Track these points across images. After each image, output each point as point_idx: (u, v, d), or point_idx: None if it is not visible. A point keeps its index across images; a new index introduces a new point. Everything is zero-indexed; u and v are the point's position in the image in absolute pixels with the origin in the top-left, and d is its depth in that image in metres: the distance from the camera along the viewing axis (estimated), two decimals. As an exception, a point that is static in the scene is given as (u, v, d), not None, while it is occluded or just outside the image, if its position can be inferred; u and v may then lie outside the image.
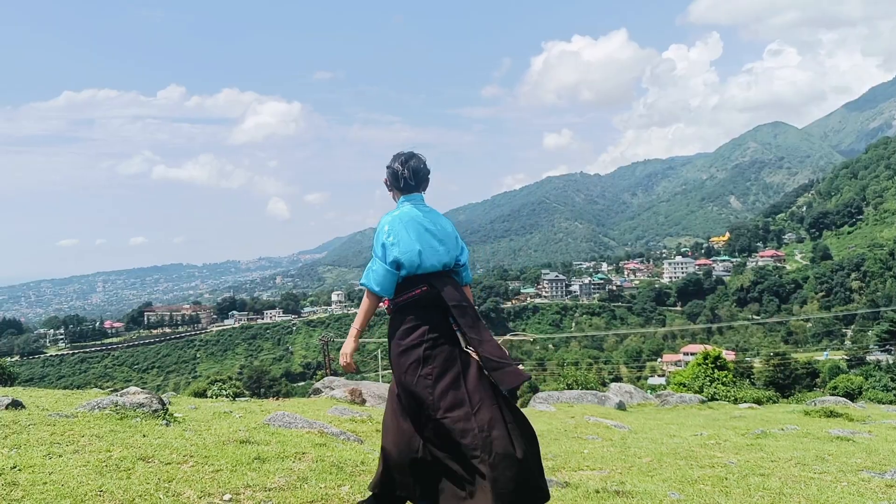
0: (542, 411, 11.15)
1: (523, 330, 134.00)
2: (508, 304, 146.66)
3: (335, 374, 42.49)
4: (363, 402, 12.50)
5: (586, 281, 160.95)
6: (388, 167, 3.85)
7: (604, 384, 23.43)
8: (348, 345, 3.68)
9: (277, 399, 11.55)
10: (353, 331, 3.70)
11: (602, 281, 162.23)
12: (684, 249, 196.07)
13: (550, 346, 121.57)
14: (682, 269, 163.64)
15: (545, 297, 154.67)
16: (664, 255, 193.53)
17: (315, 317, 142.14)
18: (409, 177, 3.78)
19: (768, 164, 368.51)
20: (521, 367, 3.49)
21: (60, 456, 4.59)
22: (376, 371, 79.87)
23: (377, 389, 14.32)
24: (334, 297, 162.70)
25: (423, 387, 3.45)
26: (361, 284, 3.68)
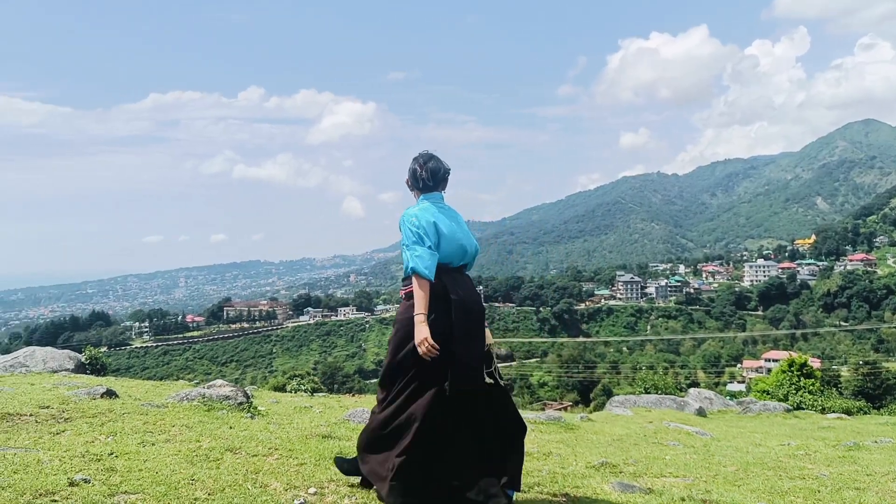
0: (618, 415, 10.95)
1: (597, 332, 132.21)
2: (582, 306, 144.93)
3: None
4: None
5: (662, 283, 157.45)
6: (409, 168, 4.06)
7: (680, 389, 22.87)
8: (422, 332, 3.66)
9: (353, 396, 11.73)
10: (419, 318, 3.69)
11: (679, 283, 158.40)
12: (766, 252, 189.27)
13: (625, 348, 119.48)
14: (763, 272, 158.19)
15: (620, 299, 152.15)
16: (745, 258, 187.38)
17: (388, 315, 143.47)
18: (426, 178, 3.99)
19: (858, 164, 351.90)
20: (492, 375, 3.77)
21: (153, 444, 4.76)
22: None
23: (451, 388, 14.31)
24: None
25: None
26: (411, 271, 3.75)
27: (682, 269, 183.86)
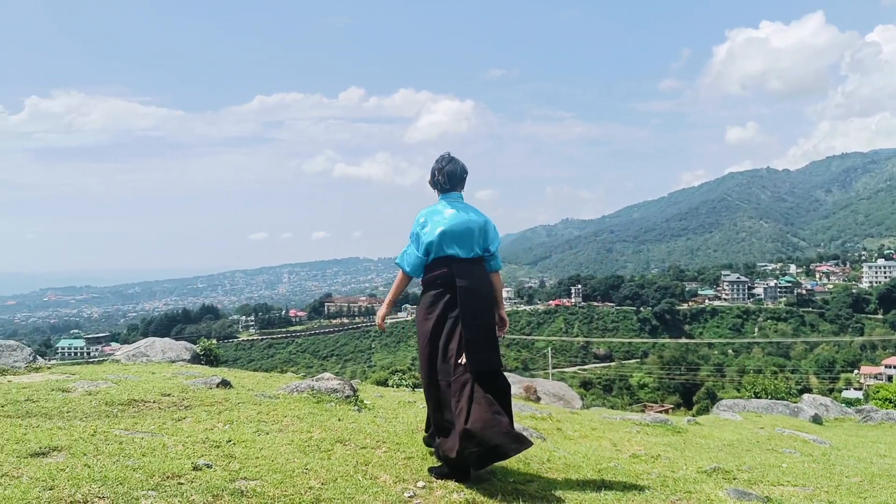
0: (727, 419, 10.55)
1: (700, 334, 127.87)
2: (685, 306, 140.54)
3: (505, 369, 42.75)
4: (538, 399, 12.48)
5: (772, 283, 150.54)
6: (430, 169, 4.59)
7: (791, 395, 21.80)
8: (382, 310, 4.61)
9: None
10: (387, 299, 4.57)
11: (790, 284, 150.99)
12: (888, 252, 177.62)
13: (730, 351, 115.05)
14: (885, 273, 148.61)
15: (725, 299, 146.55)
16: (863, 258, 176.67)
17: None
18: (443, 181, 4.51)
19: None
20: (495, 357, 4.18)
21: (267, 433, 4.94)
22: (545, 369, 79.50)
23: (551, 387, 14.22)
24: (504, 294, 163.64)
25: (432, 350, 4.26)
26: (396, 263, 4.51)
27: (793, 269, 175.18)
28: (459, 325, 4.16)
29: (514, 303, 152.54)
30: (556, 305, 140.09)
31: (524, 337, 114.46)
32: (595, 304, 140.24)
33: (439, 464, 4.22)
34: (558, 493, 3.98)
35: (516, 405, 8.38)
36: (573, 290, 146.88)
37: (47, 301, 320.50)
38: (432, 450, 4.57)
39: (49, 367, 8.72)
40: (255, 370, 14.20)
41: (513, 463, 4.58)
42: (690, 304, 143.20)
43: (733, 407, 12.74)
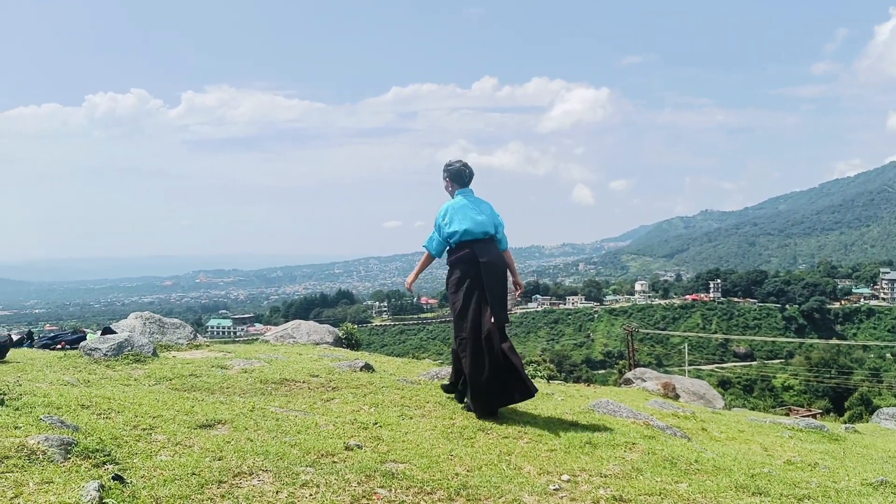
0: (889, 429, 9.77)
1: (853, 335, 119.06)
2: (836, 305, 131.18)
3: (638, 364, 41.65)
4: (676, 396, 12.04)
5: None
6: (445, 169, 5.82)
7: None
8: (410, 277, 5.95)
9: (589, 385, 11.62)
10: (415, 271, 5.92)
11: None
12: None
13: (888, 355, 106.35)
14: None
15: (884, 298, 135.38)
16: None
17: (617, 305, 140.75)
18: (449, 181, 5.79)
19: None
20: (505, 315, 5.40)
21: (411, 418, 5.06)
22: (680, 366, 76.74)
23: (691, 385, 13.68)
24: (637, 287, 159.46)
25: (463, 314, 5.40)
26: (424, 247, 5.71)
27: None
28: (484, 291, 5.34)
29: (649, 296, 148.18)
30: (693, 300, 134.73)
31: (658, 332, 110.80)
32: (735, 299, 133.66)
33: (463, 404, 5.52)
34: (710, 495, 3.82)
35: (656, 402, 8.15)
36: (712, 285, 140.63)
37: (199, 283, 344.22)
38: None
39: (208, 345, 9.35)
40: (387, 355, 14.61)
41: (659, 461, 4.44)
42: (843, 302, 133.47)
43: (894, 416, 11.77)
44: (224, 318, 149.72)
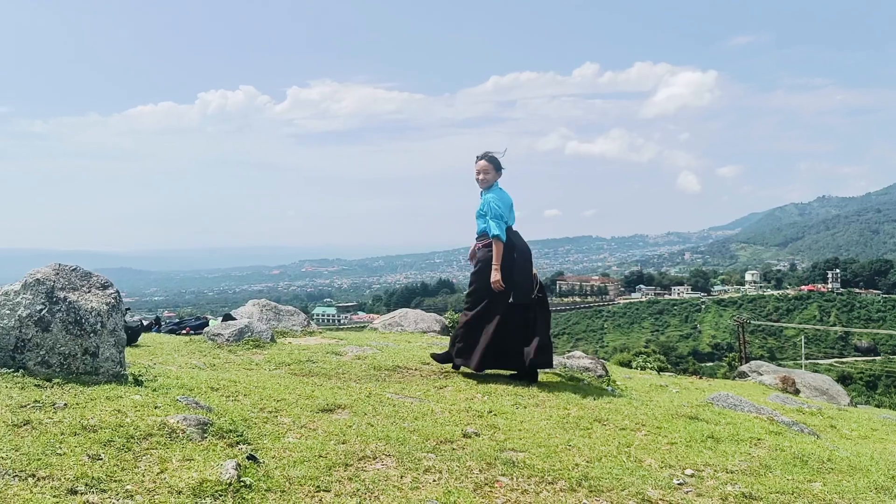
0: None
1: None
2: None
3: (750, 357, 39.99)
4: (796, 391, 11.50)
5: None
6: (491, 159, 6.28)
7: None
8: (496, 275, 5.98)
9: (702, 378, 11.26)
10: (496, 266, 5.99)
11: None
12: None
13: None
14: None
15: None
16: None
17: (726, 296, 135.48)
18: (494, 171, 6.29)
19: None
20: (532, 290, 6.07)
21: (525, 407, 5.03)
22: (795, 359, 73.22)
23: (812, 380, 13.03)
24: (748, 277, 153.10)
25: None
26: (497, 236, 6.03)
27: None
28: (512, 274, 6.01)
29: (760, 287, 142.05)
30: (810, 291, 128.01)
31: (771, 324, 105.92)
32: (857, 290, 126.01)
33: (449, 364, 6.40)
34: (848, 496, 3.60)
35: (777, 397, 7.80)
36: (830, 275, 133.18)
37: (305, 272, 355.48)
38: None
39: (321, 332, 9.64)
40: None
41: (788, 458, 4.23)
42: None
43: None
44: (328, 306, 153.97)
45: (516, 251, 6.08)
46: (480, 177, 6.26)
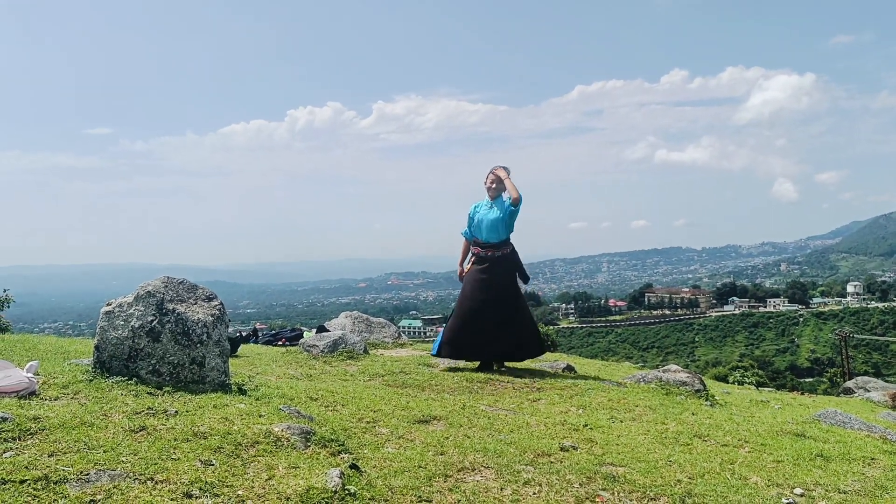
0: None
1: None
2: None
3: (853, 373, 37.99)
4: (909, 409, 10.87)
5: None
6: (505, 168, 7.09)
7: None
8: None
9: (805, 394, 10.80)
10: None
11: None
12: None
13: None
14: None
15: None
16: None
17: (826, 308, 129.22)
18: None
19: None
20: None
21: (622, 421, 4.94)
22: (904, 375, 68.93)
23: (925, 397, 12.29)
24: (850, 289, 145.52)
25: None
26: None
27: None
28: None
29: (863, 299, 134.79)
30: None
31: (876, 338, 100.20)
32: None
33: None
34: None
35: (889, 415, 7.40)
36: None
37: (390, 284, 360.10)
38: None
39: (411, 344, 9.76)
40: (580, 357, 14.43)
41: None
42: None
43: None
44: (414, 318, 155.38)
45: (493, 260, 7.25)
46: (494, 185, 7.09)
